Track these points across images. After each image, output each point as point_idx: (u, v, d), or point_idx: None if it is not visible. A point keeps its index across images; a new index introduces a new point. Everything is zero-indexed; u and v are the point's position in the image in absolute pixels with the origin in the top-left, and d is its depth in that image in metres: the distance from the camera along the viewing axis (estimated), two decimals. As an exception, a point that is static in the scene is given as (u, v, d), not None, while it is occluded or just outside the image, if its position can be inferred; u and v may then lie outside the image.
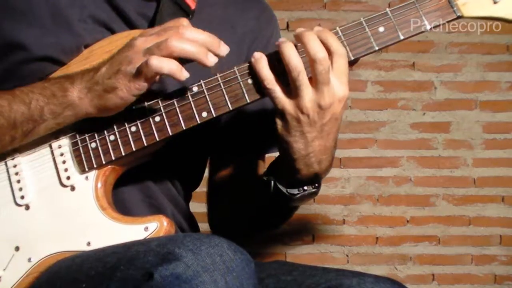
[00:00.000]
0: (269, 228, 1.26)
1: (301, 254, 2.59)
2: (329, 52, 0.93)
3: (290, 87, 0.96)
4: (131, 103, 0.98)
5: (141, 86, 0.94)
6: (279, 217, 1.18)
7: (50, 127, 1.00)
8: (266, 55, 0.98)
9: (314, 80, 0.94)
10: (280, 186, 1.05)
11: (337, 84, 0.95)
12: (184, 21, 0.97)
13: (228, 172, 1.28)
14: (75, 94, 0.97)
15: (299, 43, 0.95)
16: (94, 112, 0.98)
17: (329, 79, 0.93)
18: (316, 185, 1.07)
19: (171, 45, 0.92)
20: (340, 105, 0.97)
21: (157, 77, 0.94)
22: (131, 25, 1.10)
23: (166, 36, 0.93)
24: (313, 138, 0.98)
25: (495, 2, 1.00)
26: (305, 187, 1.05)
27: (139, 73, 0.93)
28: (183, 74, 0.92)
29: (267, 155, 1.30)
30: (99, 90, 0.96)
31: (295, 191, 1.05)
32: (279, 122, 0.99)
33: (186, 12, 1.12)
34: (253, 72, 0.99)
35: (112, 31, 1.09)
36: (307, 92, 0.94)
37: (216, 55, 0.94)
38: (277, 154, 1.07)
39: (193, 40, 0.93)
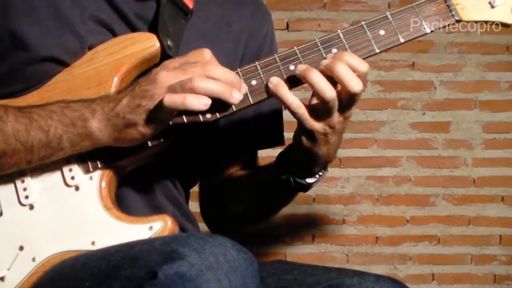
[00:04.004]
0: (272, 216, 1.33)
1: (301, 253, 2.60)
2: (354, 71, 0.96)
3: (317, 108, 0.98)
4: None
5: (161, 124, 0.95)
6: (288, 203, 1.24)
7: (67, 154, 1.00)
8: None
9: (345, 105, 0.97)
10: (299, 180, 1.10)
11: None
12: (207, 54, 0.96)
13: (229, 170, 1.30)
14: (94, 125, 0.96)
15: (329, 73, 0.96)
16: (112, 143, 0.98)
17: None
18: None
19: (195, 85, 0.91)
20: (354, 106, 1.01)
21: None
22: (130, 26, 1.10)
23: (190, 74, 0.93)
24: (334, 141, 1.03)
25: (492, 7, 1.03)
26: (320, 173, 1.12)
27: (158, 111, 0.93)
28: (198, 104, 0.91)
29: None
30: (119, 124, 0.96)
31: (312, 180, 1.11)
32: (304, 138, 1.02)
33: (185, 12, 1.13)
34: (256, 74, 1.00)
35: (113, 32, 1.09)
36: (337, 112, 0.98)
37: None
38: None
39: (217, 78, 0.93)
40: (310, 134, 1.01)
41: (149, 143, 1.00)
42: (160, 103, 0.92)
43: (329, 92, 0.94)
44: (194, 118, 0.99)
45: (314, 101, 0.98)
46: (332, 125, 0.99)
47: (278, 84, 0.98)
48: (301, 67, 0.97)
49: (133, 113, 0.95)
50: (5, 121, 0.99)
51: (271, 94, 0.99)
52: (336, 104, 0.96)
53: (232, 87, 0.94)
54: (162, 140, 1.00)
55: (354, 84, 0.94)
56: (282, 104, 0.99)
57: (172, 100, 0.91)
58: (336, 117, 0.98)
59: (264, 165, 1.25)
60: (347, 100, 0.96)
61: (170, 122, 1.00)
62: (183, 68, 0.94)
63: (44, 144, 0.98)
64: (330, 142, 1.02)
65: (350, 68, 0.95)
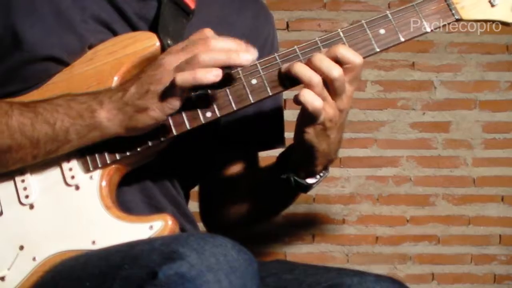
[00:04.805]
0: (273, 217, 1.35)
1: (301, 253, 2.60)
2: (347, 63, 0.97)
3: None
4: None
5: (173, 105, 0.95)
6: (289, 204, 1.25)
7: (74, 147, 1.00)
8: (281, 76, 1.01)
9: (333, 93, 0.98)
10: (300, 180, 1.10)
11: (349, 85, 1.00)
12: (209, 32, 0.97)
13: (229, 171, 1.29)
14: (103, 115, 0.97)
15: (309, 65, 0.97)
16: (123, 132, 0.98)
17: (346, 88, 0.98)
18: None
19: (201, 59, 0.91)
20: (351, 100, 1.02)
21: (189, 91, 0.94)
22: (131, 26, 1.11)
23: (194, 51, 0.93)
24: (334, 137, 1.04)
25: (492, 5, 1.03)
26: (321, 174, 1.12)
27: (169, 92, 0.93)
28: (209, 76, 0.91)
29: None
30: (130, 111, 0.96)
31: (313, 180, 1.11)
32: (308, 131, 1.02)
33: (186, 12, 1.13)
34: (256, 73, 1.00)
35: (114, 32, 1.09)
36: (332, 103, 0.99)
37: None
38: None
39: (221, 49, 0.94)
40: (315, 126, 1.01)
41: (149, 142, 1.01)
42: (172, 83, 0.92)
43: (314, 77, 0.96)
44: (194, 117, 1.00)
45: None
46: (330, 116, 1.00)
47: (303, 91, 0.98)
48: (285, 65, 1.00)
49: (143, 99, 0.95)
50: (10, 115, 0.99)
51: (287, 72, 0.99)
52: (324, 90, 0.97)
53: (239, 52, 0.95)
54: (162, 139, 1.01)
55: (330, 69, 0.96)
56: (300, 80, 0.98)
57: (183, 78, 0.91)
58: (332, 108, 0.99)
59: (264, 166, 1.25)
60: (332, 87, 0.97)
61: (171, 122, 1.00)
62: (185, 50, 0.95)
63: (51, 138, 0.98)
64: (330, 137, 1.03)
65: (343, 59, 0.96)
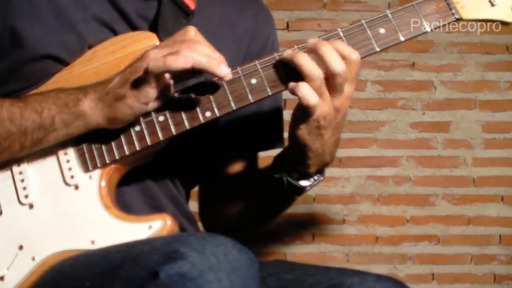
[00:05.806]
0: (270, 221, 1.32)
1: (301, 253, 2.60)
2: (343, 58, 0.96)
3: None
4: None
5: (148, 92, 0.95)
6: (284, 207, 1.24)
7: (60, 137, 1.01)
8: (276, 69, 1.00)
9: (331, 89, 0.97)
10: (292, 181, 1.09)
11: (347, 85, 0.98)
12: (192, 31, 0.97)
13: (227, 172, 1.29)
14: (86, 104, 0.98)
15: (312, 54, 0.97)
16: (105, 123, 0.99)
17: (345, 86, 0.98)
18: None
19: (183, 54, 0.92)
20: (349, 101, 1.01)
21: (167, 81, 0.95)
22: (132, 26, 1.11)
23: (178, 48, 0.94)
24: (329, 137, 1.02)
25: (492, 5, 1.03)
26: (315, 177, 1.11)
27: (143, 80, 0.94)
28: (179, 61, 0.92)
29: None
30: (109, 100, 0.97)
31: (306, 183, 1.10)
32: (301, 127, 1.01)
33: (186, 12, 1.13)
34: (256, 73, 1.00)
35: (114, 32, 1.09)
36: (328, 100, 0.98)
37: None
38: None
39: (204, 53, 0.94)
40: (307, 122, 1.00)
41: (148, 142, 1.01)
42: (145, 71, 0.94)
43: (315, 70, 0.95)
44: (194, 116, 1.00)
45: None
46: (325, 114, 0.99)
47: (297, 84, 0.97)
48: (288, 52, 0.99)
49: (122, 87, 0.96)
50: (0, 106, 1.01)
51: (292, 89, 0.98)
52: (323, 85, 0.96)
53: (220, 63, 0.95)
54: (161, 139, 1.00)
55: (336, 63, 0.95)
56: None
57: (154, 63, 0.92)
58: (328, 106, 0.98)
59: (262, 168, 1.25)
60: (332, 82, 0.97)
61: (170, 120, 1.00)
62: (172, 45, 0.95)
63: (38, 125, 0.99)
64: (323, 136, 1.02)
65: (339, 53, 0.96)
